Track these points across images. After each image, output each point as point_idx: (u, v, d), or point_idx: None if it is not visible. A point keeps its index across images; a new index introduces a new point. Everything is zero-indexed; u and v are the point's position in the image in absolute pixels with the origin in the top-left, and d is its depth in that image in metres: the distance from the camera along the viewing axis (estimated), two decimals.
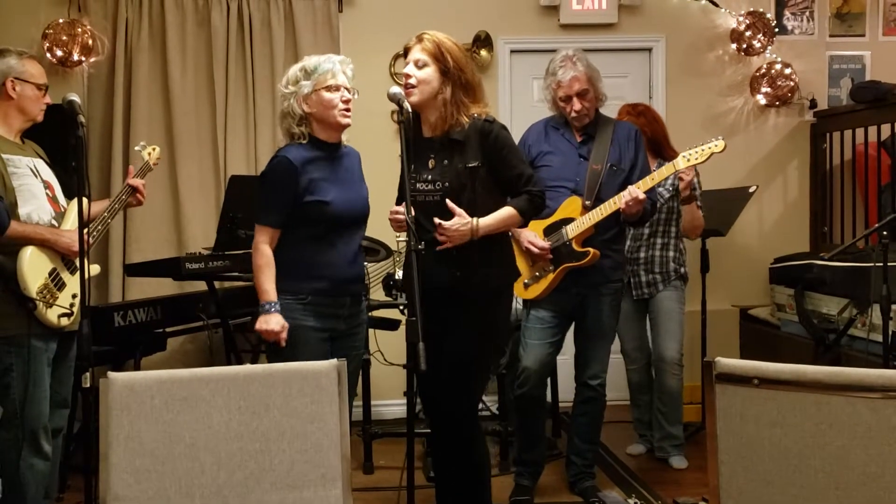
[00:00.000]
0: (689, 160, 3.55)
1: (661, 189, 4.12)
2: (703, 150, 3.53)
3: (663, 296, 4.25)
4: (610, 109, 4.02)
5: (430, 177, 3.09)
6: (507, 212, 3.10)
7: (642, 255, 4.24)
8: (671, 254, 4.25)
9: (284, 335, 2.96)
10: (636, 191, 3.47)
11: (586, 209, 3.58)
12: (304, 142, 3.05)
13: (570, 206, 3.64)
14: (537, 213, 3.22)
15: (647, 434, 4.54)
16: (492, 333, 3.20)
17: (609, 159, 3.67)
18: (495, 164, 3.08)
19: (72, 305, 3.15)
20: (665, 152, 4.18)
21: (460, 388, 3.12)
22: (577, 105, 3.66)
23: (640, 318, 4.40)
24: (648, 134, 4.15)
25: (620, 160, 3.70)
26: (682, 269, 4.30)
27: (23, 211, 3.08)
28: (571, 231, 3.59)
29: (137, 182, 3.47)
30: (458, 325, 3.08)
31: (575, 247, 3.58)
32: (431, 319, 2.91)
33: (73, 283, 3.17)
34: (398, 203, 3.22)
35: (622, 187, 3.57)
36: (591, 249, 3.57)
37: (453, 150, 3.07)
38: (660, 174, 3.60)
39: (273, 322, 2.95)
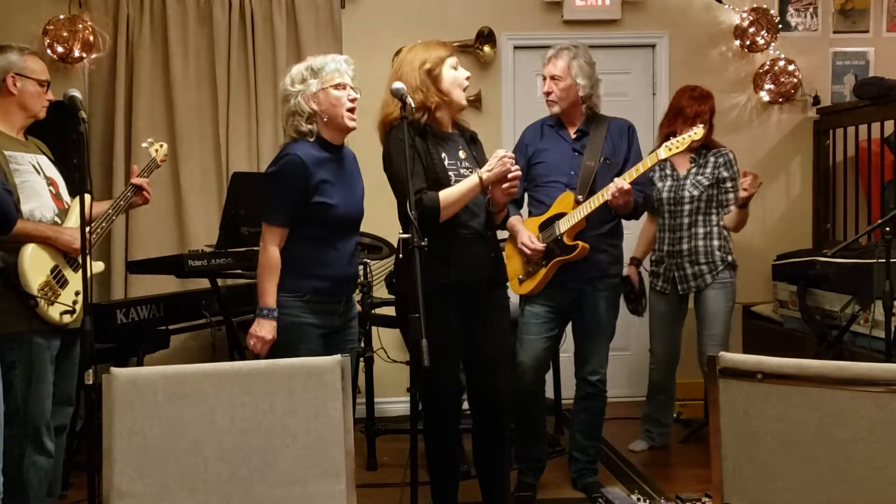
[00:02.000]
0: (670, 149, 3.57)
1: (699, 177, 4.14)
2: (682, 139, 3.56)
3: (710, 294, 4.18)
4: (612, 108, 4.01)
5: (469, 164, 3.24)
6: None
7: (685, 246, 4.19)
8: (715, 242, 4.19)
9: (266, 349, 2.99)
10: (621, 182, 3.48)
11: (578, 203, 3.60)
12: (312, 140, 3.05)
13: (563, 201, 3.67)
14: None
15: (653, 432, 4.52)
16: (507, 321, 3.42)
17: (603, 154, 3.70)
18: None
19: (74, 303, 3.14)
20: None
21: (503, 375, 3.33)
22: (546, 86, 3.73)
23: (677, 321, 4.34)
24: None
25: (614, 153, 3.72)
26: (730, 257, 4.23)
27: (25, 208, 3.07)
28: (563, 225, 3.62)
29: (142, 181, 3.46)
30: (497, 313, 3.30)
31: (566, 241, 3.61)
32: (470, 311, 3.21)
33: (75, 280, 3.17)
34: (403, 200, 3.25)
35: None
36: (581, 243, 3.59)
37: (474, 143, 3.34)
38: (644, 164, 3.59)
39: (266, 329, 2.98)
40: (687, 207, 4.16)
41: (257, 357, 2.98)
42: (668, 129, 4.19)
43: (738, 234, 5.34)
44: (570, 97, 3.71)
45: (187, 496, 2.07)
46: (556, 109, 3.75)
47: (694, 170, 4.17)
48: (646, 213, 4.34)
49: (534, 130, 3.86)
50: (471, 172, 3.18)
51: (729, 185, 4.19)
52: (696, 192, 4.15)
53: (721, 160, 4.18)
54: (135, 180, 3.46)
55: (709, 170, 4.17)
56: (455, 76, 3.21)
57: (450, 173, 3.17)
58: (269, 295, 2.99)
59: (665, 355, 4.38)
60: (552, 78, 3.71)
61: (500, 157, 3.08)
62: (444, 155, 3.20)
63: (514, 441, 4.01)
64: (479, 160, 3.27)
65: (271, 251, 3.01)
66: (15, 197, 3.02)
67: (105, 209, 3.37)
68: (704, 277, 4.18)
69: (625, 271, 4.08)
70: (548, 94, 3.73)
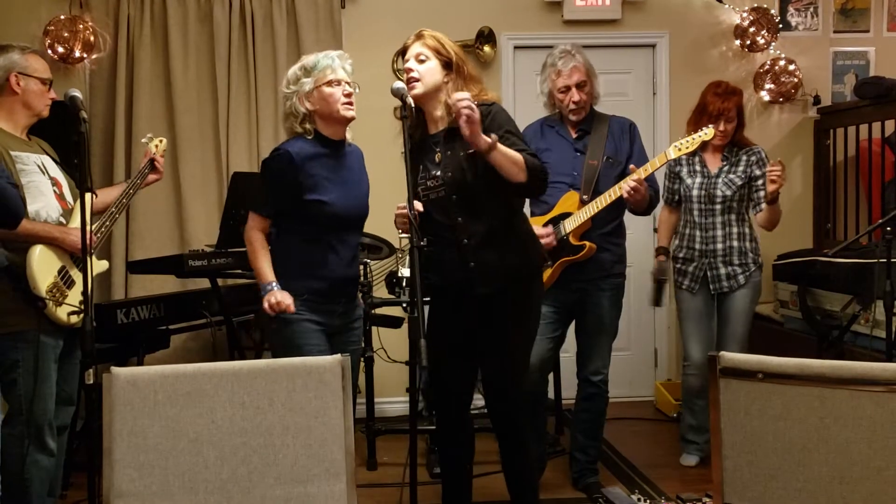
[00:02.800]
0: (679, 149, 3.55)
1: (731, 176, 4.07)
2: (693, 139, 3.53)
3: (739, 294, 4.09)
4: (612, 108, 4.01)
5: (437, 172, 3.04)
6: (516, 154, 2.89)
7: (719, 246, 4.09)
8: (748, 244, 4.11)
9: (293, 305, 2.95)
10: (636, 176, 3.47)
11: (583, 203, 3.60)
12: (310, 137, 3.04)
13: (567, 201, 3.66)
14: (541, 183, 3.00)
15: (699, 442, 4.30)
16: (525, 322, 3.14)
17: (605, 153, 3.69)
18: None
19: (81, 303, 3.14)
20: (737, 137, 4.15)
21: (506, 375, 3.10)
22: (575, 96, 3.67)
23: (711, 318, 4.22)
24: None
25: (616, 153, 3.72)
26: (760, 259, 4.16)
27: (31, 208, 3.07)
28: (569, 225, 3.62)
29: (156, 155, 3.52)
30: (490, 318, 3.07)
31: (572, 241, 3.61)
32: (456, 315, 3.07)
33: (81, 280, 3.17)
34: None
35: (619, 180, 3.58)
36: (587, 243, 3.60)
37: (455, 139, 2.98)
38: (652, 165, 3.57)
39: (277, 295, 2.94)
40: (719, 207, 4.07)
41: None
42: (694, 127, 3.98)
43: None
44: (591, 99, 3.73)
45: (187, 496, 2.07)
46: (582, 115, 3.72)
47: (726, 168, 4.08)
48: (662, 204, 4.30)
49: (534, 130, 3.85)
50: (431, 183, 3.03)
51: (760, 182, 4.07)
52: (728, 192, 4.06)
53: (754, 158, 4.09)
54: (151, 156, 3.52)
55: (741, 168, 4.08)
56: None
57: (410, 181, 3.11)
58: (266, 272, 3.00)
59: (704, 356, 4.14)
60: (578, 86, 3.67)
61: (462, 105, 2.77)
62: (421, 166, 3.09)
63: None
64: (459, 153, 2.99)
65: (253, 234, 3.05)
66: (21, 197, 3.02)
67: (117, 194, 3.39)
68: (738, 278, 4.10)
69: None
70: (577, 102, 3.68)
